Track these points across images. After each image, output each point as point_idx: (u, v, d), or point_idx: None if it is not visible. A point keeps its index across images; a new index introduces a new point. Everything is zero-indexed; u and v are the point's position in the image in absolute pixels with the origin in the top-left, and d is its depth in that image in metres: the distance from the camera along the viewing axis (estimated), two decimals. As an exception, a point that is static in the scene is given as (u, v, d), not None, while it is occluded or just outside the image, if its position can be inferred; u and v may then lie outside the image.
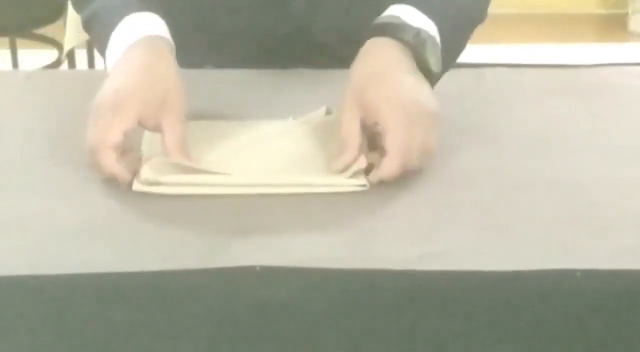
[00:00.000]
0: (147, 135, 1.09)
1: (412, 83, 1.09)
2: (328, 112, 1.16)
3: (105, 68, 1.17)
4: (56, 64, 2.94)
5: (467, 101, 1.24)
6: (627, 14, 3.30)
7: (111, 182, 1.03)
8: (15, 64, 3.01)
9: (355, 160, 1.04)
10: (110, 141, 1.03)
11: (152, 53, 1.13)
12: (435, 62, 1.14)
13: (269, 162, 1.08)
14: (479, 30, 1.29)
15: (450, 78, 1.20)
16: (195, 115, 1.16)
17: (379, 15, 1.20)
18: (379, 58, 1.13)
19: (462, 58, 1.36)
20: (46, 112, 1.21)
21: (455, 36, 1.23)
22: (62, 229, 0.96)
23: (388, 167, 1.03)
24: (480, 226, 0.97)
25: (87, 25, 1.25)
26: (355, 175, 1.04)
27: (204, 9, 1.36)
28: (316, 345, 0.81)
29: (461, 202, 1.02)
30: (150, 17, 1.18)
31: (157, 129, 1.06)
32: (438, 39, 1.17)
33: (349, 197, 1.03)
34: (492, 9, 1.30)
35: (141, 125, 1.06)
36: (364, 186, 1.03)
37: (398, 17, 1.15)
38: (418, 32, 1.14)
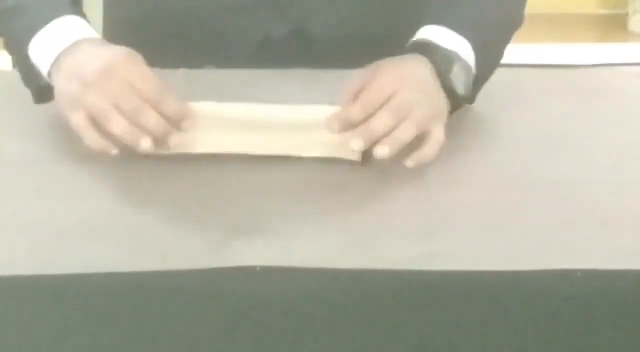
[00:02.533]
0: None
1: (425, 80, 1.11)
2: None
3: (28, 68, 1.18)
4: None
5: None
6: (627, 14, 3.30)
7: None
8: (15, 64, 3.00)
9: (348, 117, 1.05)
10: (162, 83, 1.05)
11: (98, 42, 1.15)
12: (463, 84, 1.14)
13: (267, 127, 1.09)
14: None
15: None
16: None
17: (378, 14, 1.20)
18: (404, 59, 1.13)
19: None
20: (46, 112, 1.21)
21: (493, 48, 1.23)
22: (62, 229, 0.96)
23: (346, 109, 1.05)
24: (480, 226, 0.97)
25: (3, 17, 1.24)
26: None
27: (204, 10, 1.36)
28: (316, 345, 0.81)
29: (461, 202, 1.02)
30: (81, 21, 1.18)
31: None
32: (471, 58, 1.16)
33: (349, 198, 1.03)
34: (491, 9, 1.30)
35: None
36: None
37: (429, 40, 1.15)
38: (448, 52, 1.14)
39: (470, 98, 1.18)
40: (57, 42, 1.14)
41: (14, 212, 0.99)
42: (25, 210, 1.00)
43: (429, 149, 1.06)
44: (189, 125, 1.07)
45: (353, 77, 1.09)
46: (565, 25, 3.25)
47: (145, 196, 1.02)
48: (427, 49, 1.14)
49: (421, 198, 1.03)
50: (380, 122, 1.04)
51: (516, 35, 1.28)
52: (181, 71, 1.31)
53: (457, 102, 1.14)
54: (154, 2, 1.38)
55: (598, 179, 1.07)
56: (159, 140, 1.05)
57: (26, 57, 1.17)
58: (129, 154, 1.07)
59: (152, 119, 1.05)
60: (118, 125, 1.04)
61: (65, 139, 1.14)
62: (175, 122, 1.07)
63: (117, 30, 1.41)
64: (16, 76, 1.24)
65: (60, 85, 1.11)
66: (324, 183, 1.05)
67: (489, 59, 1.21)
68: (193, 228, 0.97)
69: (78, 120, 1.07)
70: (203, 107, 1.11)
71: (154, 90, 1.06)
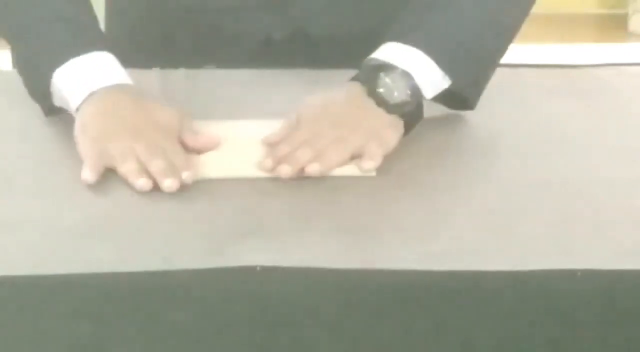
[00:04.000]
0: None
1: (345, 104, 1.12)
2: None
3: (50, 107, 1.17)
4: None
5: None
6: (627, 14, 3.30)
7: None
8: (15, 64, 3.00)
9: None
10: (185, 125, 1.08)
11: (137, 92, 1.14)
12: (401, 90, 1.13)
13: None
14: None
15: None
16: (196, 115, 1.16)
17: (376, 15, 1.20)
18: (328, 94, 1.15)
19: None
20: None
21: (477, 50, 1.21)
22: (62, 229, 0.96)
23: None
24: (480, 226, 0.97)
25: (10, 32, 1.23)
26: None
27: (204, 10, 1.36)
28: (316, 345, 0.81)
29: (461, 202, 1.02)
30: (115, 61, 1.17)
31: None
32: (426, 64, 1.15)
33: (349, 198, 1.03)
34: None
35: None
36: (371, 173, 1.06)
37: (374, 59, 1.16)
38: (373, 67, 1.14)
39: (465, 103, 1.19)
40: (92, 78, 1.13)
41: (14, 212, 0.99)
42: (25, 210, 1.00)
43: (364, 164, 1.07)
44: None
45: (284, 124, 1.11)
46: (565, 25, 3.25)
47: (146, 196, 1.02)
48: (358, 75, 1.15)
49: (421, 198, 1.03)
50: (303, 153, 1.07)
51: (517, 35, 1.27)
52: (181, 71, 1.31)
53: (408, 111, 1.13)
54: (155, 2, 1.38)
55: (598, 179, 1.07)
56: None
57: (47, 77, 1.15)
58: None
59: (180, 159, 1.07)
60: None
61: (66, 139, 1.14)
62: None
63: (118, 31, 1.41)
64: (16, 76, 1.24)
65: (96, 129, 1.10)
66: (324, 183, 1.05)
67: (471, 67, 1.20)
68: (193, 228, 0.97)
69: (132, 168, 1.05)
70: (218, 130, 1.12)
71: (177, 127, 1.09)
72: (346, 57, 1.18)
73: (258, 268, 0.88)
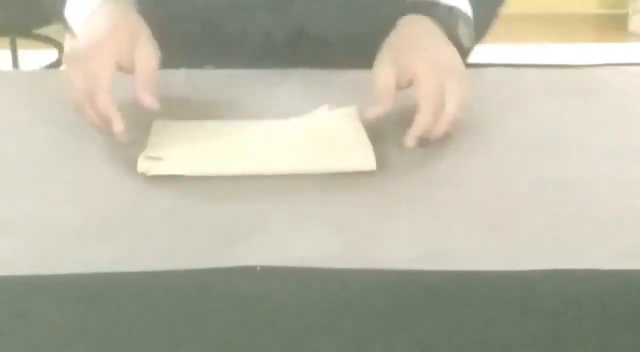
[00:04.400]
0: (154, 128, 1.11)
1: (444, 47, 1.16)
2: (330, 110, 1.17)
3: (67, 27, 1.23)
4: (56, 64, 2.93)
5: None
6: (627, 14, 3.30)
7: (106, 129, 1.08)
8: (15, 64, 3.01)
9: (386, 113, 1.11)
10: (104, 81, 1.08)
11: (116, 9, 1.18)
12: (468, 38, 1.21)
13: (272, 152, 1.09)
14: (478, 30, 1.29)
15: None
16: (195, 115, 1.16)
17: (377, 15, 1.21)
18: (413, 27, 1.19)
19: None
20: (46, 112, 1.21)
21: (487, 8, 1.29)
22: (62, 229, 0.96)
23: (422, 119, 1.09)
24: (480, 226, 0.97)
25: None
26: (363, 157, 1.07)
27: (204, 10, 1.36)
28: (316, 345, 0.81)
29: (461, 202, 1.02)
30: None
31: (131, 69, 1.11)
32: (470, 14, 1.23)
33: (349, 198, 1.03)
34: (491, 9, 1.31)
35: (119, 67, 1.10)
36: (372, 167, 1.06)
37: None
38: (450, 9, 1.20)
39: (471, 50, 1.26)
40: (76, 10, 1.20)
41: (13, 212, 0.99)
42: (25, 210, 1.00)
43: (439, 129, 1.11)
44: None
45: (379, 73, 1.13)
46: (565, 25, 3.26)
47: (146, 196, 1.02)
48: (429, 8, 1.20)
49: (421, 198, 1.03)
50: (427, 123, 1.10)
51: (516, 35, 1.28)
52: (181, 71, 1.31)
53: (463, 56, 1.19)
54: (154, 3, 1.37)
55: (598, 179, 1.07)
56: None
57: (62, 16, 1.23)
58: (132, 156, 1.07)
59: (90, 117, 1.10)
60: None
61: (66, 139, 1.14)
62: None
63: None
64: (16, 76, 1.24)
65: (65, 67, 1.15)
66: (324, 183, 1.05)
67: (483, 18, 1.27)
68: (193, 228, 0.97)
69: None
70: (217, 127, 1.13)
71: (93, 86, 1.09)
72: (347, 57, 1.18)
73: (258, 268, 0.88)
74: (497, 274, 0.88)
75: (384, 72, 1.13)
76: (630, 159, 1.12)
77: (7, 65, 2.99)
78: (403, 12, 1.22)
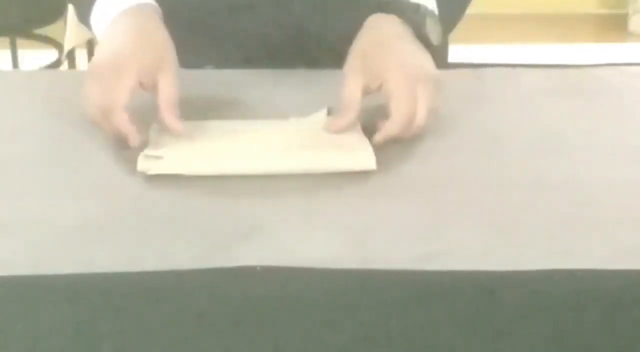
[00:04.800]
0: (154, 128, 1.11)
1: (414, 50, 1.16)
2: (329, 112, 1.17)
3: (93, 34, 1.24)
4: (56, 64, 2.93)
5: (467, 101, 1.24)
6: (627, 14, 3.30)
7: (121, 144, 1.09)
8: (15, 64, 3.01)
9: (350, 124, 1.11)
10: (121, 100, 1.09)
11: (143, 18, 1.19)
12: (436, 36, 1.21)
13: (272, 152, 1.09)
14: (478, 30, 1.29)
15: (450, 78, 1.20)
16: (195, 115, 1.16)
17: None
18: (380, 29, 1.19)
19: (462, 58, 1.36)
20: (46, 112, 1.21)
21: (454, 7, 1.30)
22: (62, 229, 0.96)
23: (390, 127, 1.09)
24: (480, 226, 0.97)
25: None
26: (363, 157, 1.07)
27: (204, 9, 1.36)
28: (316, 345, 0.81)
29: (461, 202, 1.02)
30: None
31: (153, 89, 1.11)
32: (436, 11, 1.23)
33: (349, 198, 1.03)
34: (492, 10, 1.31)
35: (141, 86, 1.11)
36: (372, 167, 1.06)
37: None
38: (417, 8, 1.20)
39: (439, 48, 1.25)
40: (101, 15, 1.20)
41: (13, 212, 0.99)
42: (25, 210, 1.00)
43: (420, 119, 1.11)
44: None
45: (346, 83, 1.12)
46: (565, 25, 3.26)
47: (146, 196, 1.02)
48: (396, 7, 1.20)
49: (421, 198, 1.03)
50: (394, 131, 1.10)
51: (517, 35, 1.28)
52: (181, 72, 1.30)
53: (432, 54, 1.19)
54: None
55: (598, 179, 1.07)
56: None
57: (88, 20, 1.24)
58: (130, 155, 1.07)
59: (107, 131, 1.10)
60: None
61: (65, 139, 1.14)
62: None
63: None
64: (16, 76, 1.24)
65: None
66: (323, 183, 1.05)
67: (450, 13, 1.28)
68: (193, 228, 0.97)
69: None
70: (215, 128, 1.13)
71: (110, 103, 1.09)
72: (346, 57, 1.17)
73: (258, 268, 0.88)
74: (497, 274, 0.88)
75: (351, 82, 1.12)
76: (630, 159, 1.12)
77: (7, 65, 2.99)
78: (369, 11, 1.21)
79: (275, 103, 1.23)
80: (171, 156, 1.07)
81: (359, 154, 1.08)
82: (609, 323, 0.84)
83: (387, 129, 1.10)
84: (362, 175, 1.06)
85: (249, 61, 1.34)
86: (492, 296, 0.86)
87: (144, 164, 1.05)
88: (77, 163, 1.08)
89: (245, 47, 1.36)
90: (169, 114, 1.09)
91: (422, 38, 1.19)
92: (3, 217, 0.98)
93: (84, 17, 1.27)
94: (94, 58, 1.13)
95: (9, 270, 0.88)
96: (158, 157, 1.07)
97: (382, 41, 1.16)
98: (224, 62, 1.34)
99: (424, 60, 1.15)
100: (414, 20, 1.19)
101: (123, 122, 1.08)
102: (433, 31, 1.20)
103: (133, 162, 1.06)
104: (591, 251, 0.93)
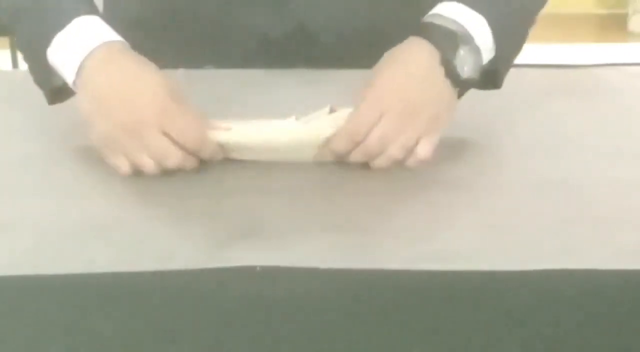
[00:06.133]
0: None
1: (421, 83, 1.08)
2: (332, 111, 1.16)
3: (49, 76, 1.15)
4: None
5: (467, 101, 1.24)
6: (627, 14, 3.30)
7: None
8: (15, 64, 3.01)
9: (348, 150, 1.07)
10: (203, 130, 1.06)
11: (133, 61, 1.11)
12: (471, 67, 1.12)
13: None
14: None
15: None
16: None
17: (379, 13, 1.20)
18: (405, 57, 1.11)
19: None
20: (46, 112, 1.21)
21: (515, 26, 1.20)
22: (62, 229, 0.96)
23: (335, 141, 1.06)
24: (480, 226, 0.97)
25: (13, 16, 1.19)
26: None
27: (202, 8, 1.36)
28: (316, 345, 0.81)
29: (461, 202, 1.02)
30: (98, 21, 1.15)
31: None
32: (487, 34, 1.13)
33: (349, 197, 1.03)
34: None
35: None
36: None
37: (440, 16, 1.12)
38: (451, 34, 1.11)
39: (495, 81, 1.17)
40: (79, 46, 1.11)
41: (14, 212, 0.99)
42: (26, 210, 1.00)
43: (410, 162, 1.07)
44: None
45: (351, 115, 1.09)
46: (565, 25, 3.25)
47: (146, 196, 1.02)
48: (430, 31, 1.11)
49: (421, 198, 1.03)
50: (337, 146, 1.07)
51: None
52: (181, 71, 1.31)
53: (467, 86, 1.13)
54: (153, 1, 1.37)
55: (598, 179, 1.07)
56: None
57: (42, 58, 1.13)
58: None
59: (190, 166, 1.07)
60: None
61: (66, 139, 1.14)
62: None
63: (116, 29, 1.40)
64: (16, 76, 1.24)
65: (92, 108, 1.08)
66: (323, 183, 1.05)
67: (511, 38, 1.18)
68: (193, 228, 0.97)
69: (123, 168, 1.06)
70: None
71: (194, 143, 1.06)
72: (347, 55, 1.18)
73: (258, 268, 0.88)
74: (497, 274, 0.88)
75: (353, 114, 1.08)
76: (630, 159, 1.12)
77: (7, 65, 2.99)
78: (370, 11, 1.16)
79: (275, 103, 1.23)
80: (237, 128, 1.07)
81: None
82: (609, 323, 0.84)
83: (332, 141, 1.06)
84: (361, 175, 1.06)
85: (249, 61, 1.34)
86: (492, 296, 0.86)
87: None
88: (78, 163, 1.08)
89: (243, 45, 1.36)
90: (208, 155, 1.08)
91: (451, 70, 1.10)
92: (3, 217, 0.98)
93: (28, 45, 1.17)
94: (100, 101, 1.07)
95: (9, 270, 0.88)
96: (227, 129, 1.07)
97: (398, 72, 1.10)
98: (223, 61, 1.34)
99: (429, 95, 1.08)
100: (442, 46, 1.10)
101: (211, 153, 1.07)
102: (466, 63, 1.11)
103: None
104: (591, 251, 0.93)
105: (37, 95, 1.26)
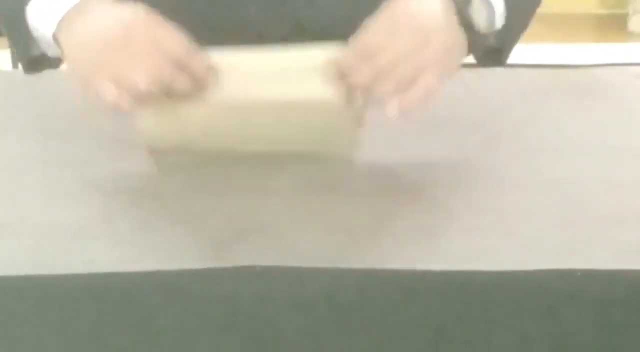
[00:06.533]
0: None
1: (435, 18, 1.07)
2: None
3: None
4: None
5: (467, 101, 1.24)
6: (627, 14, 3.30)
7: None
8: (15, 64, 3.00)
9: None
10: (184, 43, 1.05)
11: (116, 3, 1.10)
12: (482, 21, 1.11)
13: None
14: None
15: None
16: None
17: (376, 10, 1.20)
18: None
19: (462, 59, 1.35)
20: (46, 112, 1.21)
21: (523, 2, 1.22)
22: (62, 229, 0.96)
23: (343, 55, 1.04)
24: (480, 226, 0.97)
25: None
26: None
27: (199, 5, 1.35)
28: (316, 345, 0.81)
29: (461, 202, 1.02)
30: None
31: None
32: (498, 3, 1.14)
33: (349, 197, 1.03)
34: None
35: None
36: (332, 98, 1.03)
37: None
38: None
39: (501, 50, 1.19)
40: (60, 2, 1.10)
41: (14, 212, 0.99)
42: (26, 210, 1.00)
43: (413, 97, 1.04)
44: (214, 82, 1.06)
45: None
46: (565, 25, 3.25)
47: (146, 196, 1.02)
48: None
49: (421, 198, 1.03)
50: (361, 75, 1.03)
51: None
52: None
53: (478, 42, 1.12)
54: (150, 1, 1.37)
55: (598, 179, 1.07)
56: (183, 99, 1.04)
57: (20, 21, 1.12)
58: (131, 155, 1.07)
59: (183, 84, 1.04)
60: (150, 95, 1.03)
61: (66, 139, 1.14)
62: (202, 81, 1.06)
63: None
64: (16, 76, 1.24)
65: (75, 52, 1.07)
66: (323, 183, 1.05)
67: (519, 13, 1.19)
68: (193, 228, 0.97)
69: (109, 91, 1.02)
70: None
71: (182, 51, 1.04)
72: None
73: (258, 268, 0.88)
74: (497, 274, 0.88)
75: (365, 33, 1.06)
76: (630, 159, 1.12)
77: (7, 65, 2.99)
78: (369, 6, 1.15)
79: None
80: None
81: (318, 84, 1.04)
82: (610, 323, 0.84)
83: (339, 58, 1.03)
84: (361, 174, 1.06)
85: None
86: (492, 296, 0.86)
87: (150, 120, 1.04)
88: (77, 163, 1.08)
89: (242, 43, 1.36)
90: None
91: (465, 20, 1.09)
92: (3, 217, 0.98)
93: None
94: (86, 38, 1.05)
95: (9, 270, 0.88)
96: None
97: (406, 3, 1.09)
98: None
99: (444, 27, 1.07)
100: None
101: (204, 64, 1.03)
102: (479, 15, 1.11)
103: (133, 163, 1.06)
104: (591, 251, 0.93)
105: (37, 95, 1.26)
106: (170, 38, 1.05)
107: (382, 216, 1.00)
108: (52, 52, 1.16)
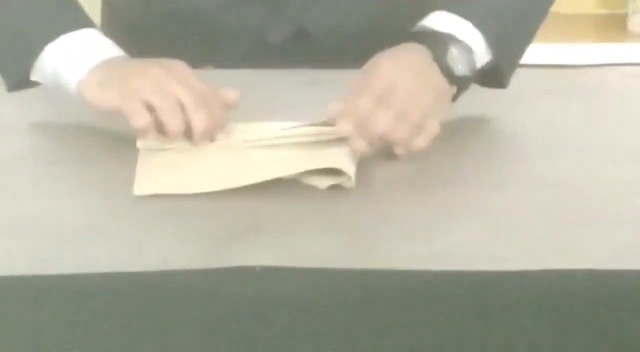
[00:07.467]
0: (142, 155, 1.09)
1: (418, 75, 1.11)
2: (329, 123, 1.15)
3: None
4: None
5: (467, 101, 1.24)
6: (627, 14, 3.30)
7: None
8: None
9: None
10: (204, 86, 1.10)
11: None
12: (463, 66, 1.15)
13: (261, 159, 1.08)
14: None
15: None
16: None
17: (378, 12, 1.20)
18: (399, 49, 1.14)
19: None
20: (45, 112, 1.21)
21: (515, 31, 1.24)
22: (62, 229, 0.96)
23: (339, 122, 1.05)
24: (480, 226, 0.97)
25: None
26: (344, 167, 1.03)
27: (201, 9, 1.36)
28: (317, 345, 0.81)
29: (461, 202, 1.02)
30: (97, 35, 1.18)
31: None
32: (476, 37, 1.17)
33: (349, 198, 1.03)
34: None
35: None
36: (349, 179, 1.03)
37: (423, 26, 1.17)
38: (439, 35, 1.15)
39: (500, 80, 1.21)
40: (87, 54, 1.14)
41: (13, 212, 0.99)
42: (25, 210, 1.00)
43: (422, 141, 1.08)
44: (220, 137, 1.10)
45: (353, 78, 1.10)
46: (565, 25, 3.25)
47: (146, 196, 1.02)
48: (420, 36, 1.16)
49: (421, 198, 1.03)
50: (380, 122, 1.06)
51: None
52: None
53: (463, 84, 1.16)
54: (152, 2, 1.37)
55: (598, 179, 1.07)
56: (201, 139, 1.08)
57: (33, 51, 1.15)
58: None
59: (202, 122, 1.08)
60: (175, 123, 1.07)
61: (65, 138, 1.14)
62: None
63: (115, 30, 1.40)
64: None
65: (100, 91, 1.10)
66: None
67: (511, 39, 1.22)
68: (193, 228, 0.97)
69: (143, 116, 1.06)
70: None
71: (206, 95, 1.09)
72: (347, 56, 1.17)
73: (258, 268, 0.88)
74: (497, 274, 0.88)
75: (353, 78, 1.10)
76: (630, 159, 1.12)
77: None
78: (371, 9, 1.21)
79: (275, 103, 1.23)
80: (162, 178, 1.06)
81: (338, 159, 1.05)
82: (609, 323, 0.84)
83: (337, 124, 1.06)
84: (361, 174, 1.06)
85: (248, 60, 1.34)
86: (492, 296, 0.86)
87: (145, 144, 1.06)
88: (78, 163, 1.08)
89: (245, 46, 1.36)
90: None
91: (444, 67, 1.14)
92: (3, 217, 0.98)
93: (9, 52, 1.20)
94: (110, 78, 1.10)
95: (9, 270, 0.88)
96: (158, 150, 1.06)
97: (393, 55, 1.13)
98: (223, 61, 1.34)
99: (437, 80, 1.12)
100: (433, 46, 1.15)
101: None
102: (459, 61, 1.15)
103: (133, 163, 1.06)
104: (591, 251, 0.93)
105: (37, 95, 1.26)
106: (200, 84, 1.11)
107: (382, 216, 1.00)
108: (41, 79, 1.18)
